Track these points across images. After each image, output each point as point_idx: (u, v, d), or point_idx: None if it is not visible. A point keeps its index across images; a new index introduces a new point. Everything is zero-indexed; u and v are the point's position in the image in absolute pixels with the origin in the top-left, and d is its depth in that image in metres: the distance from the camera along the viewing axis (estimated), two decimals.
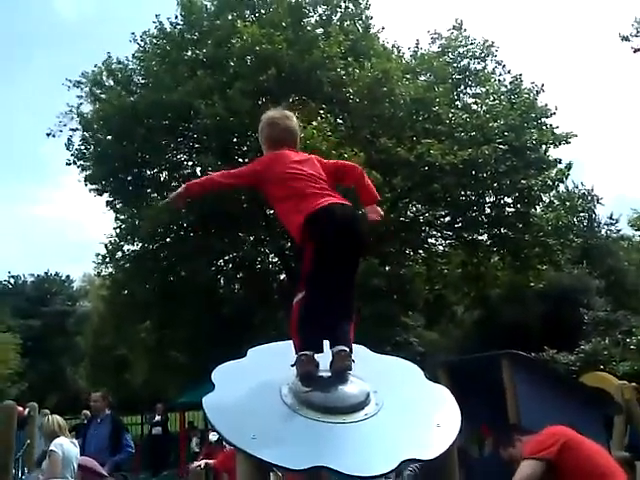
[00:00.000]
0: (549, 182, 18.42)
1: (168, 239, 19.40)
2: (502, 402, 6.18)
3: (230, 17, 18.78)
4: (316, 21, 19.59)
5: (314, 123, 14.87)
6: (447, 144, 16.92)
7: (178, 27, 19.37)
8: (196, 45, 19.04)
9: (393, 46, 20.90)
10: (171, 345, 20.67)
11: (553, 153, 18.81)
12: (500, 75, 20.36)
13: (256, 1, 19.44)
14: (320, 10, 19.85)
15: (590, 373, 9.92)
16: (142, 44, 19.71)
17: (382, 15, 51.31)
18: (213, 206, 17.94)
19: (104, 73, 19.59)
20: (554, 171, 18.62)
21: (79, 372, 38.59)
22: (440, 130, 17.66)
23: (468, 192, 18.62)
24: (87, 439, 6.98)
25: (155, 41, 19.51)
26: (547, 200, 19.60)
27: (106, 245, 19.63)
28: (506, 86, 19.86)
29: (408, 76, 18.53)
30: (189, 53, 19.13)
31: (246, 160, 17.95)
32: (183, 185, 3.18)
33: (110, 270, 20.46)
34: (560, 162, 18.69)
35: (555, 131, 18.55)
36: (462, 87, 20.30)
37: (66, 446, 5.63)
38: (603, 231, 28.39)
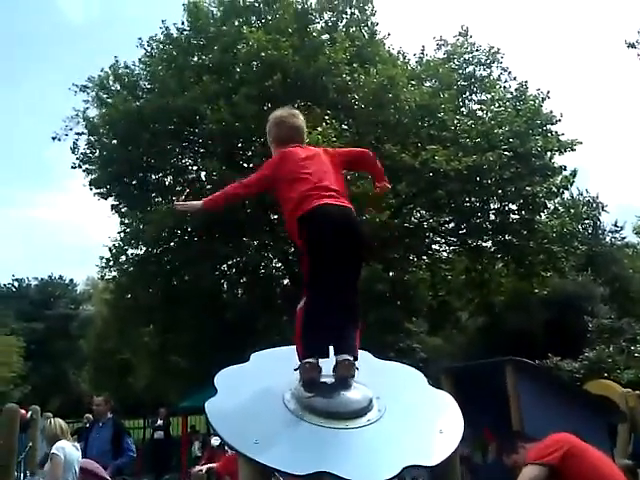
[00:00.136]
0: (554, 189, 18.38)
1: (172, 243, 19.43)
2: (506, 409, 6.18)
3: (236, 23, 18.86)
4: (322, 27, 19.64)
5: (319, 129, 14.89)
6: (452, 150, 16.91)
7: (184, 33, 19.46)
8: (202, 50, 19.11)
9: (399, 52, 20.97)
10: (174, 349, 20.67)
11: (558, 160, 18.79)
12: (505, 82, 20.39)
13: (262, 7, 19.51)
14: (326, 16, 19.92)
15: (594, 381, 9.89)
16: (149, 49, 19.81)
17: (388, 21, 51.65)
18: (218, 211, 17.97)
19: (111, 77, 19.67)
20: (559, 178, 18.58)
21: (82, 375, 38.61)
22: (445, 136, 17.66)
23: (473, 198, 18.59)
24: (89, 443, 6.97)
25: (162, 46, 19.60)
26: (552, 207, 19.55)
27: (110, 249, 19.68)
28: (511, 93, 19.86)
29: (413, 82, 18.55)
30: (195, 58, 19.20)
31: (251, 165, 18.00)
32: (200, 202, 3.22)
33: (114, 274, 20.49)
34: (565, 169, 18.66)
35: (560, 138, 18.52)
36: (467, 93, 20.30)
37: (68, 449, 5.63)
38: (608, 238, 28.34)
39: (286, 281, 20.25)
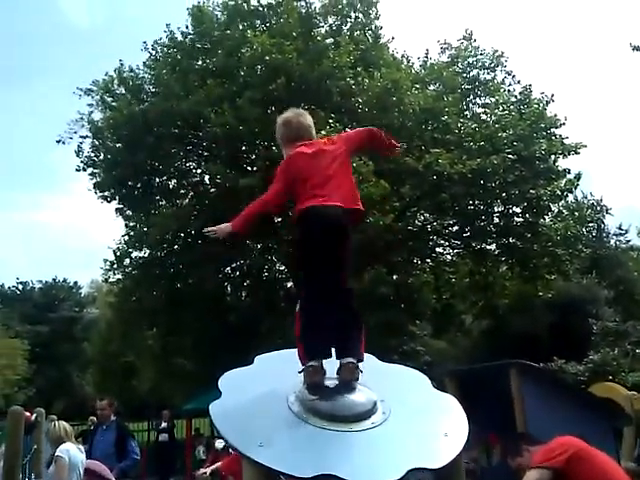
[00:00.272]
0: (558, 192, 18.34)
1: (176, 246, 19.46)
2: (510, 411, 6.16)
3: (240, 27, 18.90)
4: (326, 31, 19.66)
5: (323, 132, 14.89)
6: (456, 154, 16.91)
7: (189, 36, 19.49)
8: (206, 54, 19.15)
9: (403, 56, 20.98)
10: (178, 352, 20.69)
11: (562, 163, 18.77)
12: (510, 85, 20.39)
13: (266, 11, 19.53)
14: (330, 20, 19.94)
15: (599, 383, 9.86)
16: (153, 53, 19.86)
17: (392, 25, 51.67)
18: (221, 214, 17.99)
19: (115, 81, 19.72)
20: (563, 181, 18.55)
21: (86, 378, 38.70)
22: (449, 140, 17.66)
23: (476, 202, 18.59)
24: (93, 445, 6.99)
25: (166, 50, 19.65)
26: (556, 210, 19.53)
27: (114, 252, 19.73)
28: (515, 96, 19.85)
29: (417, 86, 18.56)
30: (199, 62, 19.23)
31: (254, 168, 18.03)
32: (228, 224, 3.22)
33: (118, 277, 20.55)
34: (569, 172, 18.63)
35: (564, 141, 18.49)
36: (471, 97, 20.31)
37: (72, 452, 5.64)
38: (612, 241, 28.28)
39: (290, 284, 20.25)
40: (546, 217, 18.97)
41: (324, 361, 2.90)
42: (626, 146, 61.49)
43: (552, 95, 19.10)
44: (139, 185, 19.95)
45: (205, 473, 8.56)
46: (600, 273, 24.51)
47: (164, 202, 20.47)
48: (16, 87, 73.15)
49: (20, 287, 48.02)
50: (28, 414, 6.36)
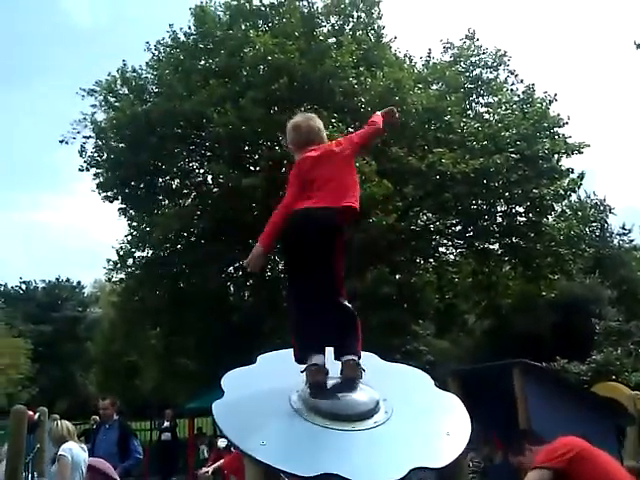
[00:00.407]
0: (561, 192, 18.33)
1: (179, 246, 19.50)
2: (513, 411, 6.16)
3: (243, 27, 18.92)
4: (328, 31, 19.66)
5: (326, 132, 14.89)
6: (459, 153, 16.90)
7: (192, 37, 19.52)
8: (209, 54, 19.16)
9: (405, 55, 20.99)
10: (181, 351, 20.72)
11: (565, 163, 18.75)
12: (512, 84, 20.36)
13: (269, 11, 19.54)
14: (333, 20, 19.94)
15: (602, 383, 9.82)
16: (156, 53, 19.88)
17: (394, 25, 51.62)
18: (224, 214, 18.02)
19: (118, 81, 19.75)
20: (566, 181, 18.53)
21: (89, 378, 38.80)
22: (452, 139, 17.65)
23: (479, 201, 18.57)
24: (96, 444, 6.99)
25: (169, 50, 19.67)
26: (559, 210, 19.52)
27: (117, 251, 19.77)
28: (518, 95, 19.83)
29: (420, 85, 18.54)
30: (202, 62, 19.24)
31: (257, 168, 18.03)
32: (259, 246, 3.10)
33: (121, 276, 20.60)
34: (572, 172, 18.59)
35: (567, 141, 18.48)
36: (474, 96, 20.29)
37: (75, 451, 5.65)
38: (615, 241, 28.21)
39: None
40: (549, 217, 18.96)
41: (326, 361, 2.91)
42: (630, 145, 61.45)
43: (555, 94, 19.09)
44: (142, 185, 19.98)
45: (207, 472, 8.58)
46: (603, 273, 24.46)
47: (167, 202, 20.49)
48: (16, 87, 73.37)
49: (23, 287, 48.14)
50: (31, 413, 6.36)
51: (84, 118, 19.77)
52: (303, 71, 16.98)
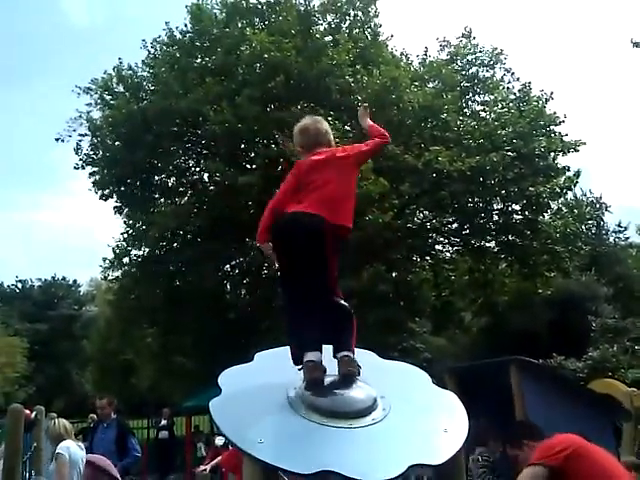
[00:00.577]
0: (557, 189, 18.37)
1: (175, 244, 19.48)
2: (510, 408, 6.16)
3: (239, 25, 18.89)
4: (325, 29, 19.66)
5: None
6: (455, 151, 16.91)
7: (188, 35, 19.49)
8: (205, 52, 19.14)
9: (402, 54, 20.97)
10: (177, 350, 20.70)
11: (561, 161, 18.79)
12: (509, 83, 20.38)
13: (265, 9, 19.53)
14: (329, 18, 19.93)
15: (599, 380, 9.84)
16: (152, 51, 19.85)
17: (391, 23, 51.62)
18: (220, 212, 18.00)
19: (114, 79, 19.70)
20: (562, 179, 18.57)
21: (85, 376, 38.75)
22: (448, 137, 17.66)
23: (476, 199, 18.59)
24: (94, 443, 6.99)
25: (165, 48, 19.63)
26: (555, 207, 19.56)
27: (114, 249, 19.74)
28: (515, 94, 19.85)
29: (416, 83, 18.56)
30: (198, 60, 19.23)
31: (254, 166, 18.03)
32: (262, 243, 3.28)
33: (117, 274, 20.56)
34: (568, 170, 18.65)
35: (564, 139, 18.49)
36: (470, 94, 20.30)
37: (73, 449, 5.64)
38: (611, 239, 28.31)
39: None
40: (545, 214, 19.00)
41: (323, 359, 2.92)
42: (626, 143, 61.55)
43: (551, 93, 19.12)
44: (138, 183, 19.96)
45: (205, 470, 8.57)
46: (599, 270, 24.53)
47: (163, 200, 20.46)
48: (16, 87, 73.09)
49: (19, 285, 48.07)
50: (28, 412, 6.36)
51: (80, 116, 19.75)
52: (299, 69, 16.98)
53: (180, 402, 18.53)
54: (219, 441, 10.23)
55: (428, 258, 21.21)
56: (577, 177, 18.79)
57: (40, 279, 48.43)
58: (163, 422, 16.73)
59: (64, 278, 49.39)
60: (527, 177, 17.59)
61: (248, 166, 18.72)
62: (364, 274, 16.49)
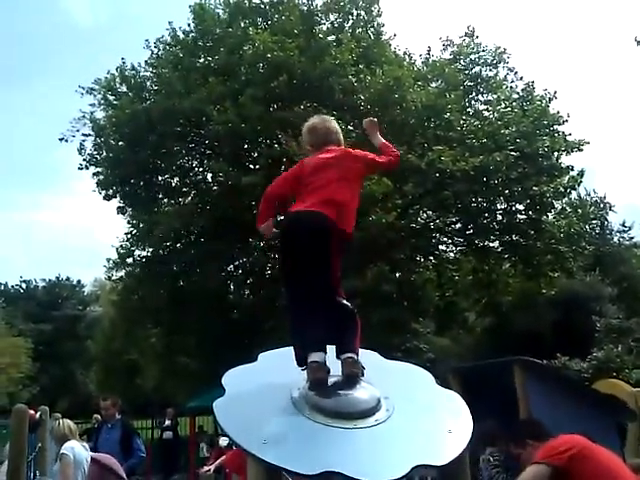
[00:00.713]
0: (561, 189, 18.32)
1: (179, 244, 19.49)
2: (514, 408, 6.16)
3: (242, 25, 18.91)
4: (328, 28, 19.66)
5: None
6: (458, 151, 16.89)
7: (191, 34, 19.51)
8: (208, 52, 19.16)
9: (405, 53, 20.94)
10: (181, 350, 20.72)
11: (565, 160, 18.72)
12: (512, 82, 20.32)
13: (268, 9, 19.54)
14: (332, 17, 19.92)
15: (603, 380, 9.84)
16: (155, 51, 19.87)
17: (394, 22, 51.55)
18: (224, 212, 18.02)
19: (117, 79, 19.73)
20: (566, 178, 18.52)
21: (90, 376, 38.82)
22: (451, 137, 17.63)
23: (479, 199, 18.56)
24: (99, 443, 6.99)
25: (168, 48, 19.66)
26: (559, 207, 19.50)
27: (117, 249, 19.78)
28: (518, 93, 19.80)
29: (419, 83, 18.53)
30: (201, 60, 19.24)
31: (257, 166, 18.04)
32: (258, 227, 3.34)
33: (121, 274, 20.61)
34: (572, 169, 18.59)
35: (567, 138, 18.45)
36: (474, 94, 20.27)
37: (77, 449, 5.65)
38: (615, 238, 28.19)
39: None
40: (549, 214, 18.95)
41: (327, 360, 2.92)
42: (630, 143, 61.41)
43: (555, 92, 19.06)
44: (142, 183, 19.99)
45: (209, 470, 8.58)
46: (603, 270, 24.44)
47: (166, 200, 20.51)
48: (16, 87, 73.24)
49: (24, 286, 48.19)
50: (32, 412, 6.38)
51: (83, 116, 19.78)
52: (302, 69, 16.98)
53: (184, 402, 18.54)
54: (223, 442, 10.25)
55: (432, 258, 21.18)
56: (581, 177, 18.74)
57: (44, 279, 48.63)
58: (167, 422, 16.75)
59: (68, 278, 49.56)
60: (531, 177, 17.55)
61: (251, 166, 18.73)
62: (368, 274, 16.49)
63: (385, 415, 2.69)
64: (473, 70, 20.11)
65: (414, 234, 18.97)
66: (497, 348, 17.70)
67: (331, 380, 2.87)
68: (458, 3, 56.44)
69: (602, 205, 25.53)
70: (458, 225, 20.22)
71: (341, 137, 3.49)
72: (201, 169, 20.79)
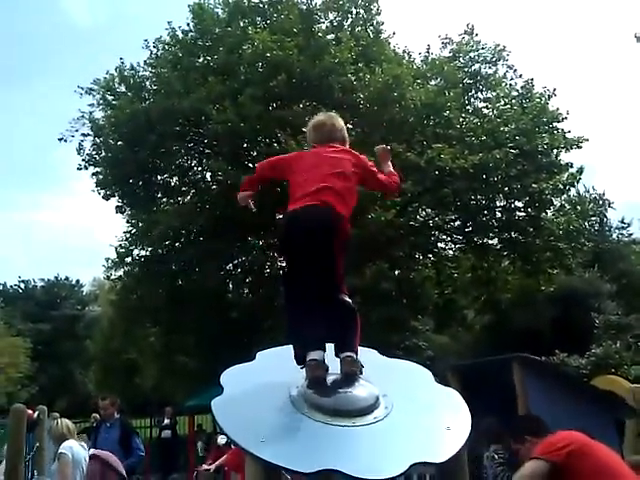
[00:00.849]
0: (560, 186, 18.34)
1: (177, 244, 19.48)
2: (513, 405, 6.16)
3: (241, 24, 18.88)
4: (327, 27, 19.64)
5: None
6: (458, 148, 16.89)
7: (190, 34, 19.47)
8: (207, 52, 19.13)
9: (404, 51, 20.90)
10: (180, 349, 20.73)
11: (564, 157, 18.76)
12: (511, 79, 20.33)
13: (267, 8, 19.51)
14: (331, 16, 19.89)
15: (602, 376, 9.86)
16: (154, 50, 19.83)
17: (393, 21, 51.49)
18: (223, 211, 18.02)
19: (116, 79, 19.70)
20: (565, 175, 18.54)
21: (88, 376, 38.81)
22: (451, 134, 17.63)
23: (479, 196, 18.57)
24: (98, 442, 6.98)
25: (167, 48, 19.63)
26: (558, 204, 19.52)
27: (116, 249, 19.77)
28: (517, 90, 19.82)
29: (419, 81, 18.52)
30: (200, 59, 19.22)
31: (256, 165, 18.03)
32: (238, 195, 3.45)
33: (119, 273, 20.61)
34: (571, 166, 18.62)
35: (566, 135, 18.47)
36: (473, 92, 20.28)
37: (75, 449, 5.66)
38: (614, 235, 28.23)
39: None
40: (548, 211, 18.97)
41: (326, 358, 2.91)
42: (629, 140, 61.36)
43: (554, 89, 19.07)
44: (141, 183, 19.97)
45: (209, 469, 8.58)
46: (602, 267, 24.47)
47: (165, 200, 20.50)
48: (16, 87, 73.12)
49: (22, 285, 48.10)
50: (30, 412, 6.38)
51: (82, 116, 19.76)
52: (302, 68, 16.96)
53: (183, 401, 18.56)
54: (221, 440, 10.24)
55: (431, 256, 21.20)
56: (580, 174, 18.78)
57: (43, 279, 48.53)
58: (166, 421, 16.74)
59: (67, 278, 49.47)
60: (530, 174, 17.57)
61: (251, 165, 18.72)
62: (367, 272, 16.49)
63: (384, 413, 2.69)
64: (472, 68, 20.13)
65: (413, 232, 18.97)
66: (496, 345, 17.74)
67: (330, 378, 2.87)
68: (457, 1, 56.42)
69: (601, 202, 25.58)
70: (457, 223, 20.24)
71: (346, 134, 3.49)
72: (200, 168, 20.79)
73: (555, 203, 19.16)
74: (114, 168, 19.06)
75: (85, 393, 36.80)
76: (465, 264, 20.93)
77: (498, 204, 19.24)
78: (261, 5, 19.53)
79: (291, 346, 3.03)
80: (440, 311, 20.84)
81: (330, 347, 2.98)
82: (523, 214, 18.95)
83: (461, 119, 18.09)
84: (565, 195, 19.67)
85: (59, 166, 77.33)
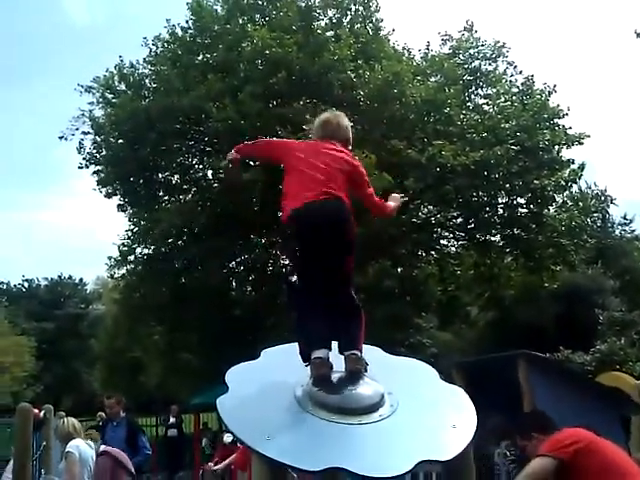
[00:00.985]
0: (562, 183, 18.30)
1: (180, 242, 19.49)
2: (518, 402, 6.16)
3: (241, 21, 18.86)
4: (326, 24, 19.59)
5: None
6: (459, 145, 16.87)
7: (189, 32, 19.45)
8: (207, 49, 19.11)
9: (404, 48, 20.85)
10: (184, 347, 20.75)
11: (566, 154, 18.70)
12: (512, 76, 20.26)
13: (266, 5, 19.48)
14: (330, 13, 19.86)
15: (606, 373, 9.85)
16: (153, 48, 19.81)
17: (392, 17, 51.21)
18: (224, 208, 18.03)
19: (116, 77, 19.69)
20: (567, 171, 18.50)
21: (94, 374, 38.82)
22: (451, 131, 17.61)
23: (480, 193, 18.54)
24: (105, 441, 7.00)
25: (166, 45, 19.60)
26: (560, 201, 19.49)
27: (119, 247, 19.80)
28: (518, 87, 19.76)
29: (419, 78, 18.50)
30: (200, 57, 19.20)
31: (257, 163, 18.02)
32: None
33: (122, 272, 20.62)
34: (573, 162, 18.55)
35: (568, 132, 18.42)
36: (473, 88, 20.23)
37: (82, 447, 5.67)
38: (617, 231, 28.19)
39: (294, 278, 20.23)
40: (550, 208, 18.95)
41: (331, 355, 2.91)
42: (630, 136, 61.22)
43: (554, 85, 19.02)
44: (142, 181, 19.97)
45: (217, 470, 8.59)
46: (605, 263, 24.45)
47: (167, 198, 20.50)
48: (16, 87, 73.05)
49: (26, 285, 48.15)
50: (36, 411, 6.39)
51: (82, 114, 19.75)
52: (301, 65, 16.94)
53: (187, 399, 18.58)
54: (227, 438, 10.25)
55: (433, 253, 21.19)
56: (582, 170, 18.72)
57: (46, 278, 48.57)
58: (172, 420, 16.77)
59: (70, 277, 49.50)
60: (531, 170, 17.53)
61: (251, 163, 18.71)
62: (370, 270, 16.48)
63: (389, 410, 2.69)
64: (472, 64, 20.07)
65: (415, 229, 18.96)
66: (500, 342, 17.72)
67: (335, 376, 2.87)
68: None
69: (603, 198, 25.49)
70: (459, 219, 20.22)
71: (350, 134, 3.48)
72: (201, 166, 20.76)
73: (557, 199, 19.13)
74: (115, 166, 19.07)
75: (90, 391, 36.81)
76: (468, 261, 20.91)
77: (500, 201, 19.22)
78: (260, 2, 19.49)
79: (296, 343, 3.03)
80: (443, 308, 20.83)
81: (334, 344, 2.98)
82: (525, 211, 18.93)
83: (462, 116, 18.08)
84: (567, 191, 19.64)
85: (60, 166, 77.33)
